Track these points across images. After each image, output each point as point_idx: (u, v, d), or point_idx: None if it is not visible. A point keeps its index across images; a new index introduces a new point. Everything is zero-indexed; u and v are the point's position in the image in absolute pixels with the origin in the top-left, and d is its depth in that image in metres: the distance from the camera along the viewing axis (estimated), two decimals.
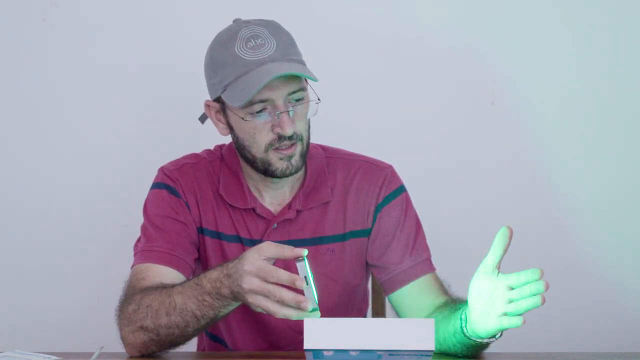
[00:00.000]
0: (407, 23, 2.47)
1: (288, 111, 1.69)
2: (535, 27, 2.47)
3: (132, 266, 1.77)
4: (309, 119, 1.76)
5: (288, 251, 1.45)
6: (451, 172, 2.46)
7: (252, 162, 1.76)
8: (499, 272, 1.47)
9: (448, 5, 2.47)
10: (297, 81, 1.70)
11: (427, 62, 2.46)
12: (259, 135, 1.72)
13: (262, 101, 1.68)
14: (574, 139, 2.47)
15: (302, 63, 1.74)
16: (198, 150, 1.90)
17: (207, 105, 1.80)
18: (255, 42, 1.69)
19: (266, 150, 1.72)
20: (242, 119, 1.71)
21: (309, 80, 1.73)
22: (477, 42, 2.47)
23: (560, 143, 2.47)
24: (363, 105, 2.46)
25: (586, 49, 2.47)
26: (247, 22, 1.74)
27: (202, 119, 1.85)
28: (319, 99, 1.74)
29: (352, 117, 2.45)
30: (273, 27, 1.73)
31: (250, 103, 1.68)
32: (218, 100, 1.75)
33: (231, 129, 1.77)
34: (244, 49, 1.69)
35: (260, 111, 1.70)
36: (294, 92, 1.70)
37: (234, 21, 1.76)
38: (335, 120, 2.32)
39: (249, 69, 1.68)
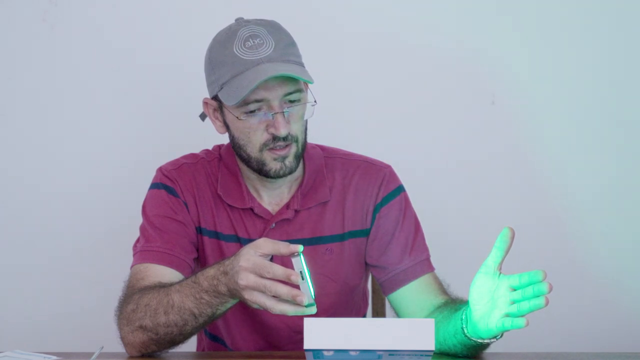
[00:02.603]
0: (407, 23, 2.47)
1: (283, 112, 1.70)
2: (535, 27, 2.47)
3: (132, 266, 1.77)
4: (305, 120, 1.76)
5: (283, 247, 1.45)
6: (451, 172, 2.46)
7: (247, 161, 1.76)
8: (500, 273, 1.47)
9: (448, 6, 2.47)
10: (293, 82, 1.70)
11: (427, 62, 2.46)
12: (253, 135, 1.72)
13: (257, 101, 1.69)
14: (573, 138, 2.47)
15: (301, 64, 1.74)
16: (197, 150, 1.90)
17: (205, 103, 1.80)
18: (253, 42, 1.69)
19: (260, 150, 1.72)
20: (237, 118, 1.71)
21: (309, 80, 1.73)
22: (477, 42, 2.47)
23: (560, 143, 2.47)
24: (362, 105, 2.46)
25: (586, 49, 2.47)
26: (248, 21, 1.74)
27: (203, 116, 1.85)
28: (315, 101, 1.74)
29: (352, 117, 2.45)
30: (272, 27, 1.73)
31: (246, 102, 1.68)
32: (215, 98, 1.75)
33: (228, 128, 1.77)
34: (242, 49, 1.69)
35: (255, 111, 1.70)
36: (290, 93, 1.70)
37: (236, 20, 1.77)
38: (334, 120, 2.32)
39: (245, 69, 1.68)
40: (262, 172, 1.75)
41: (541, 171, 2.48)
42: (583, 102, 2.47)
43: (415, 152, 2.44)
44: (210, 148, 1.91)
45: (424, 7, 2.47)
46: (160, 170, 1.85)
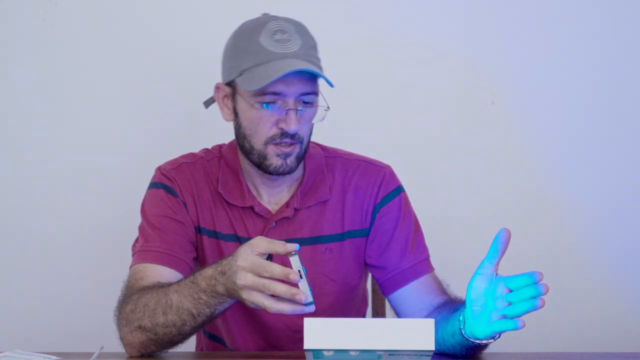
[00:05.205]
0: (408, 23, 2.47)
1: (297, 109, 1.70)
2: (535, 27, 2.47)
3: (131, 267, 1.77)
4: (312, 124, 1.76)
5: (280, 246, 1.46)
6: (450, 172, 2.46)
7: (249, 152, 1.76)
8: (496, 274, 1.47)
9: (448, 6, 2.47)
10: (311, 84, 1.71)
11: (427, 62, 2.46)
12: (262, 127, 1.72)
13: (274, 93, 1.69)
14: (573, 138, 2.47)
15: (321, 69, 1.74)
16: (196, 150, 1.90)
17: (217, 88, 1.80)
18: (281, 36, 1.70)
19: (265, 144, 1.72)
20: (251, 105, 1.71)
21: (319, 87, 1.74)
22: (477, 42, 2.47)
23: (560, 143, 2.47)
24: (362, 105, 2.46)
25: (586, 49, 2.47)
26: (276, 17, 1.75)
27: (207, 103, 1.85)
28: (328, 107, 1.74)
29: (351, 117, 2.44)
30: (300, 27, 1.75)
31: (262, 93, 1.69)
32: (229, 85, 1.75)
33: (236, 116, 1.77)
34: (269, 41, 1.70)
35: (269, 103, 1.70)
36: (307, 93, 1.71)
37: (263, 14, 1.77)
38: (334, 120, 2.31)
39: (270, 59, 1.68)
40: (262, 166, 1.75)
41: (541, 171, 2.47)
42: (583, 101, 2.47)
43: (415, 152, 2.44)
44: (209, 147, 1.91)
45: (424, 7, 2.47)
46: (159, 169, 1.85)
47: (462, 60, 2.47)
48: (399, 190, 1.86)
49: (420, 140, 2.46)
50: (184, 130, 2.41)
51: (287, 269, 1.43)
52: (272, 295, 1.45)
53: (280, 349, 1.85)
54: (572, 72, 2.47)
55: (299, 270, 1.43)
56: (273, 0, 2.37)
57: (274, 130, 1.71)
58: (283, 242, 1.46)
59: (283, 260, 1.50)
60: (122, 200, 2.38)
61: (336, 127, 2.29)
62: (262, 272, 1.45)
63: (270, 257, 1.49)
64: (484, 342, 1.52)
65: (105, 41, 2.44)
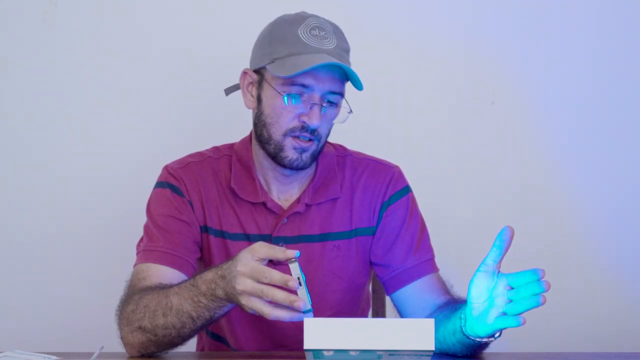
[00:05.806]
0: (408, 23, 2.47)
1: (322, 105, 1.70)
2: (535, 27, 2.47)
3: (134, 266, 1.77)
4: (332, 125, 1.77)
5: (280, 253, 1.45)
6: (451, 172, 2.46)
7: (266, 142, 1.76)
8: (498, 271, 1.47)
9: (449, 6, 2.47)
10: (340, 84, 1.73)
11: (427, 62, 2.47)
12: (284, 117, 1.72)
13: (303, 85, 1.70)
14: (574, 138, 2.47)
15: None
16: (198, 149, 1.90)
17: (244, 73, 1.80)
18: (319, 33, 1.72)
19: (284, 135, 1.73)
20: (278, 94, 1.71)
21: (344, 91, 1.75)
22: (477, 41, 2.47)
23: (560, 142, 2.47)
24: (363, 105, 2.45)
25: (586, 49, 2.47)
26: (316, 15, 1.76)
27: (229, 90, 1.85)
28: (351, 110, 1.75)
29: (352, 117, 2.44)
30: (337, 30, 1.77)
31: (291, 83, 1.70)
32: (257, 72, 1.76)
33: (259, 103, 1.77)
34: (307, 34, 1.71)
35: (296, 94, 1.71)
36: (334, 92, 1.72)
37: (301, 12, 1.78)
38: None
39: (305, 51, 1.69)
40: (277, 157, 1.75)
41: (541, 171, 2.47)
42: (583, 101, 2.47)
43: (414, 152, 2.44)
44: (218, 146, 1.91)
45: (425, 7, 2.47)
46: (166, 168, 1.86)
47: (462, 60, 2.47)
48: (407, 190, 1.88)
49: (419, 140, 2.46)
50: (184, 131, 2.41)
51: (286, 276, 1.43)
52: (271, 302, 1.45)
53: (287, 348, 1.85)
54: (572, 72, 2.47)
55: (298, 278, 1.43)
56: (273, 0, 2.37)
57: (295, 123, 1.72)
58: (283, 248, 1.46)
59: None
60: (122, 201, 2.38)
61: (335, 126, 2.29)
62: (261, 278, 1.44)
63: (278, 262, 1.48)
64: (484, 340, 1.52)
65: (105, 41, 2.44)
